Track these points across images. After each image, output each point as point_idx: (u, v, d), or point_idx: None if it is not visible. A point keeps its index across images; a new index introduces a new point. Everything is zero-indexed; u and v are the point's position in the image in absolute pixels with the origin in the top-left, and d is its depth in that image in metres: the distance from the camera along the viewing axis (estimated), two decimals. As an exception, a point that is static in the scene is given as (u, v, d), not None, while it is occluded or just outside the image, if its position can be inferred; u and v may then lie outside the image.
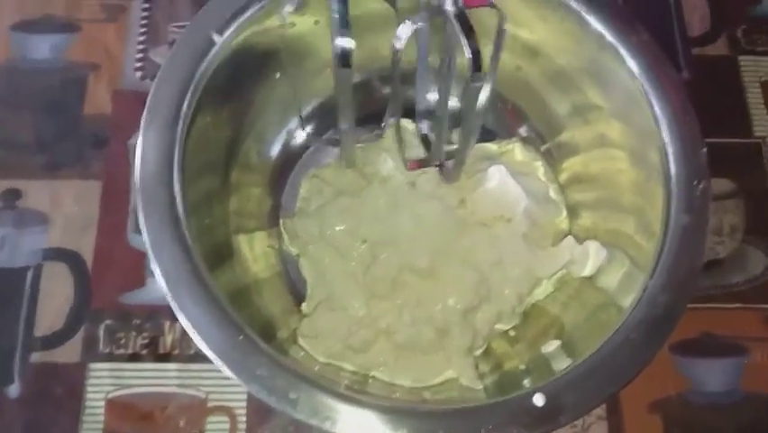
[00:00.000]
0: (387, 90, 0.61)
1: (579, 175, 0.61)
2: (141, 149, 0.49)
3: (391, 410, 0.45)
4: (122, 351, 0.61)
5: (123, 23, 0.73)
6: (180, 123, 0.50)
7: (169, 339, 0.62)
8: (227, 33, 0.53)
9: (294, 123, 0.64)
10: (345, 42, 0.45)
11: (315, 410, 0.44)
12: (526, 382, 0.50)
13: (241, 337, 0.46)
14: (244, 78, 0.56)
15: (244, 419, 0.59)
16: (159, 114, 0.50)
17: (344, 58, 0.46)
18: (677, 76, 0.52)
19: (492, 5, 0.45)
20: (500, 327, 0.58)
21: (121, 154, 0.68)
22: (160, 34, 0.73)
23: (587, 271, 0.57)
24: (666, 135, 0.51)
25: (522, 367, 0.54)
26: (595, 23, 0.54)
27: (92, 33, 0.73)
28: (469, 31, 0.44)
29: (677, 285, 0.48)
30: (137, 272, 0.64)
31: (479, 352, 0.57)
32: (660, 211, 0.50)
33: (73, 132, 0.69)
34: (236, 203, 0.58)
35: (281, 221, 0.62)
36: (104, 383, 0.60)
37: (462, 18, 0.45)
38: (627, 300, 0.49)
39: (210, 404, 0.60)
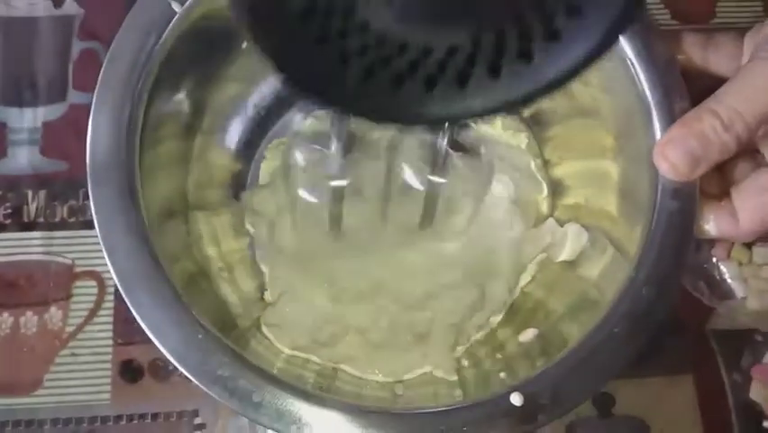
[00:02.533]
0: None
1: (562, 146, 0.58)
2: (92, 132, 0.45)
3: (361, 413, 0.43)
4: None
5: None
6: (135, 103, 0.46)
7: (33, 208, 0.60)
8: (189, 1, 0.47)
9: (261, 93, 0.59)
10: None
11: (281, 414, 0.42)
12: (503, 375, 0.48)
13: (200, 336, 0.43)
14: (207, 49, 0.51)
15: (112, 283, 0.56)
16: (110, 93, 0.46)
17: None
18: (669, 52, 0.48)
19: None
20: (491, 321, 0.55)
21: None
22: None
23: (566, 255, 0.54)
24: (655, 113, 0.47)
25: (498, 356, 0.51)
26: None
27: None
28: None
29: (662, 277, 0.45)
30: None
31: (461, 349, 0.54)
32: (646, 195, 0.47)
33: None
34: (197, 180, 0.55)
35: (242, 195, 0.57)
36: (-34, 255, 0.58)
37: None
38: (610, 291, 0.46)
39: (77, 270, 0.59)
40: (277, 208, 0.55)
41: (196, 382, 0.42)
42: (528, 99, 0.31)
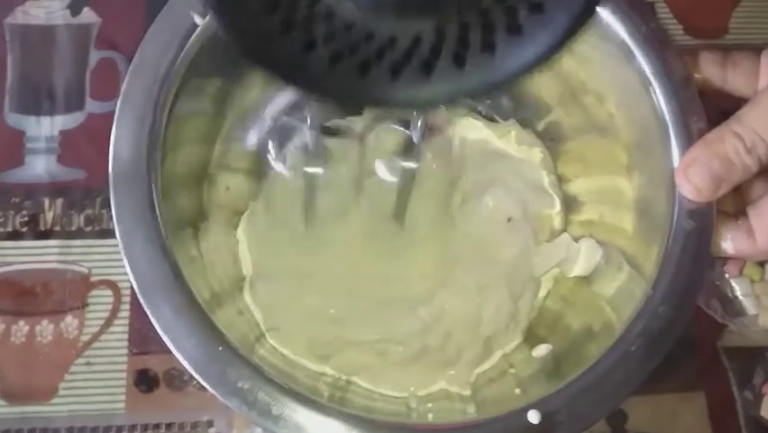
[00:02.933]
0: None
1: (577, 161, 0.58)
2: (114, 143, 0.46)
3: (379, 428, 0.43)
4: (0, 229, 0.59)
5: None
6: (156, 115, 0.47)
7: (49, 216, 0.60)
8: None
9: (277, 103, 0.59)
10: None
11: (299, 428, 0.42)
12: (518, 391, 0.49)
13: (220, 348, 0.43)
14: (228, 60, 0.50)
15: (128, 292, 0.58)
16: (133, 105, 0.46)
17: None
18: (684, 68, 0.48)
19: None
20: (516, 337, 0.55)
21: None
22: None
23: (580, 271, 0.54)
24: (672, 131, 0.48)
25: (512, 372, 0.52)
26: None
27: None
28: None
29: (678, 296, 0.45)
30: (16, 151, 0.61)
31: (487, 365, 0.54)
32: (662, 213, 0.47)
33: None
34: (214, 192, 0.55)
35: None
36: (-18, 262, 0.58)
37: None
38: (626, 309, 0.46)
39: (93, 278, 0.58)
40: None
41: (214, 394, 0.42)
42: (491, 89, 0.32)
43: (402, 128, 0.56)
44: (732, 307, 0.60)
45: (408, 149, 0.53)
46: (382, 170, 0.56)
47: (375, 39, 0.31)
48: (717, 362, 0.58)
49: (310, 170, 0.54)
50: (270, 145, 0.58)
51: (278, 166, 0.57)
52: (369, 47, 0.31)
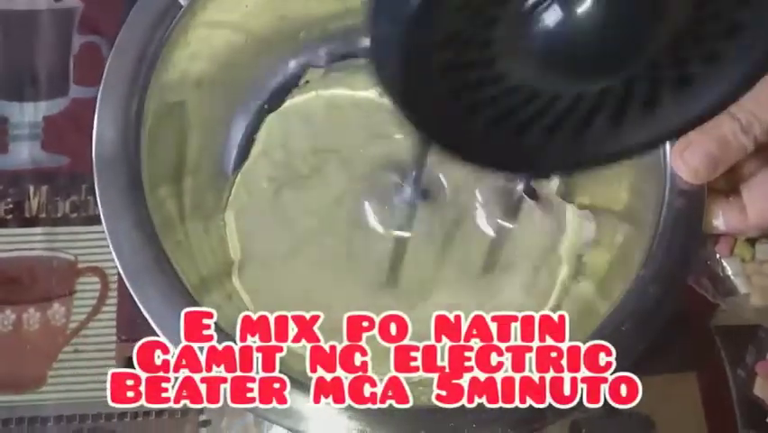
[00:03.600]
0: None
1: None
2: (98, 126, 0.45)
3: (371, 410, 0.42)
4: None
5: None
6: (141, 97, 0.46)
7: (34, 203, 0.59)
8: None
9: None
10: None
11: (290, 412, 0.42)
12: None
13: None
14: None
15: (116, 279, 0.57)
16: (116, 87, 0.46)
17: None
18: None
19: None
20: None
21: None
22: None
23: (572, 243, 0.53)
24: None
25: None
26: None
27: None
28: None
29: (669, 275, 0.45)
30: None
31: None
32: (654, 193, 0.47)
33: None
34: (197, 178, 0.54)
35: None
36: (-33, 251, 0.57)
37: None
38: (616, 288, 0.46)
39: (80, 265, 0.58)
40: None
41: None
42: (648, 147, 0.31)
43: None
44: (723, 286, 0.60)
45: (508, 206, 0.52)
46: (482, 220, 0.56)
47: (539, 99, 0.29)
48: (710, 341, 0.58)
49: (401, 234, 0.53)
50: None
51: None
52: (530, 107, 0.29)
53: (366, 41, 0.28)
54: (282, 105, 0.58)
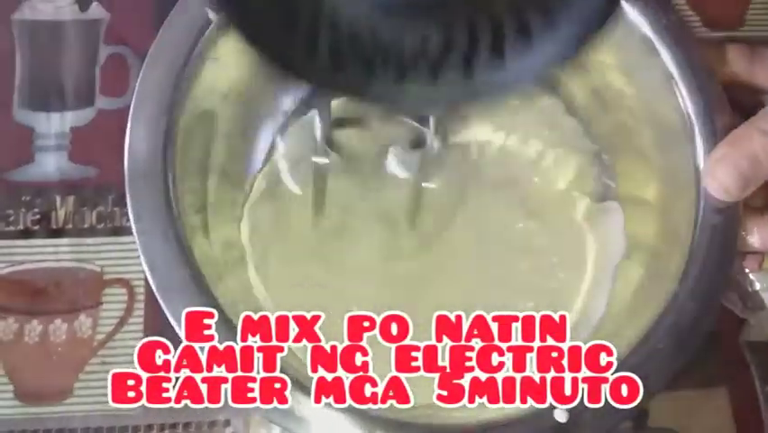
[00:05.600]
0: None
1: None
2: (130, 141, 0.45)
3: (397, 425, 0.42)
4: (11, 228, 0.58)
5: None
6: (172, 111, 0.46)
7: (61, 214, 0.59)
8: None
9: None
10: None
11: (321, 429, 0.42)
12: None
13: None
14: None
15: (142, 290, 0.57)
16: (148, 103, 0.46)
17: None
18: (710, 63, 0.48)
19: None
20: None
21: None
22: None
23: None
24: (696, 128, 0.48)
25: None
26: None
27: None
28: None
29: (705, 292, 0.46)
30: (25, 148, 0.60)
31: None
32: (689, 208, 0.47)
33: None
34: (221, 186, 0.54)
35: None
36: (-6, 261, 0.57)
37: None
38: (649, 304, 0.46)
39: (106, 277, 0.58)
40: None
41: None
42: (498, 94, 0.32)
43: (416, 124, 0.55)
44: (752, 301, 0.59)
45: (421, 144, 0.53)
46: (393, 165, 0.55)
47: (382, 39, 0.31)
48: (740, 356, 0.58)
49: (318, 159, 0.53)
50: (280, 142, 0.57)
51: (282, 165, 0.56)
52: (375, 47, 0.31)
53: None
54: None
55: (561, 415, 0.42)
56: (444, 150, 0.55)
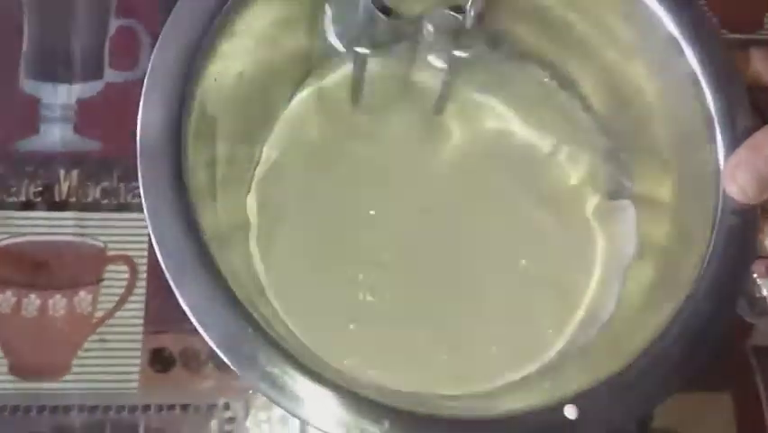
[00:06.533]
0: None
1: None
2: (142, 115, 0.44)
3: (409, 419, 0.41)
4: (13, 199, 0.58)
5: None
6: (184, 88, 0.45)
7: (65, 187, 0.58)
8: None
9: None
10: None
11: (328, 414, 0.41)
12: (548, 385, 0.48)
13: (250, 330, 0.41)
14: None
15: (145, 268, 0.56)
16: (162, 76, 0.45)
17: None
18: (733, 64, 0.47)
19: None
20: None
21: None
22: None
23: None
24: (718, 128, 0.47)
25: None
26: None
27: None
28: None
29: (721, 295, 0.45)
30: (30, 120, 0.60)
31: None
32: (706, 210, 0.46)
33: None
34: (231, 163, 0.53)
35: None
36: (-6, 232, 0.56)
37: None
38: (662, 306, 0.45)
39: (109, 253, 0.57)
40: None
41: (243, 378, 0.41)
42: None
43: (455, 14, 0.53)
44: (759, 306, 0.59)
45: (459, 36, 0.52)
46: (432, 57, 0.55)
47: None
48: (746, 362, 0.57)
49: (359, 49, 0.53)
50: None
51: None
52: None
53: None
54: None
55: (571, 411, 0.41)
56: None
